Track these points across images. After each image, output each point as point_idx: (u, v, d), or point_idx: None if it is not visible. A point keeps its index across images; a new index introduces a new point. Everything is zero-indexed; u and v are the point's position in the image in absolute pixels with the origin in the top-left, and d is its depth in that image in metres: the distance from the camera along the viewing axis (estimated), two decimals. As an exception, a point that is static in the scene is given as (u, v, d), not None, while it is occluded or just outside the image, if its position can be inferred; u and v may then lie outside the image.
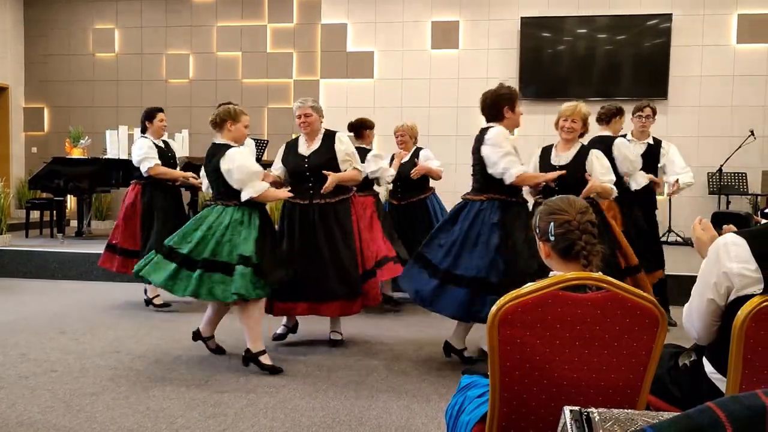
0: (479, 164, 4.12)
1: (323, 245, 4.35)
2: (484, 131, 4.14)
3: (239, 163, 3.99)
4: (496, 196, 4.05)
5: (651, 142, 5.32)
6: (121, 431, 3.06)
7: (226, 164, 4.00)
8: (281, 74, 10.31)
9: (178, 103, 10.54)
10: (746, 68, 9.19)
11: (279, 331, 4.75)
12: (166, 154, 5.75)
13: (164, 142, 5.86)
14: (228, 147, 4.06)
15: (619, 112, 5.17)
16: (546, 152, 4.51)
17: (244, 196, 4.01)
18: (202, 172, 4.35)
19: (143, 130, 5.78)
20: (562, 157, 4.38)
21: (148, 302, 5.79)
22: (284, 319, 4.75)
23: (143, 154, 5.55)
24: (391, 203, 6.00)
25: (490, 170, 4.03)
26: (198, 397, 3.51)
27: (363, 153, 5.29)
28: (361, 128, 5.63)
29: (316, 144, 4.50)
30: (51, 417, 3.21)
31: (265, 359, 4.01)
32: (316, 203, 4.41)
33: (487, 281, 3.85)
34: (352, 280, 4.38)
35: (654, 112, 5.36)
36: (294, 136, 4.77)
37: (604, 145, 4.82)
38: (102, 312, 5.58)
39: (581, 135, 4.43)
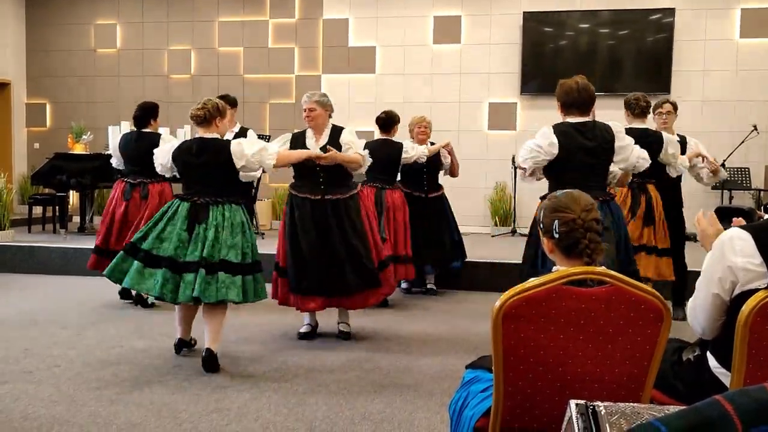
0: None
1: (338, 241, 4.40)
2: (608, 126, 3.88)
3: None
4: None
5: (677, 139, 5.08)
6: (124, 426, 3.06)
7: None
8: (283, 69, 10.29)
9: (180, 98, 10.51)
10: (749, 63, 9.15)
11: (303, 330, 4.68)
12: None
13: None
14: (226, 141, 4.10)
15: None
16: None
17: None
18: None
19: (143, 125, 5.69)
20: None
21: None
22: (307, 318, 4.71)
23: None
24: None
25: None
26: (202, 392, 3.52)
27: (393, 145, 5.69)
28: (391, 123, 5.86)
29: (324, 139, 4.54)
30: (55, 411, 3.21)
31: None
32: (328, 199, 4.44)
33: None
34: (370, 273, 4.47)
35: (675, 108, 5.20)
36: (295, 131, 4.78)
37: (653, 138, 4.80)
38: (105, 307, 5.58)
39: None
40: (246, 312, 5.04)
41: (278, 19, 10.31)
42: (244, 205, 4.17)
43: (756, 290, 1.77)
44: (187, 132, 7.91)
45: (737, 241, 1.80)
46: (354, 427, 3.08)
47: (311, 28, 10.22)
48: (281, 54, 10.30)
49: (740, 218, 1.98)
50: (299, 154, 4.38)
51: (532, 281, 1.74)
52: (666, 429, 0.78)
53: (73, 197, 9.41)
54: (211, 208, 3.93)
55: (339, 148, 4.46)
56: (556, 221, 1.92)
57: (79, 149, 8.42)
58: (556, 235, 1.92)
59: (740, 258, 1.78)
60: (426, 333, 4.86)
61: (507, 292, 1.72)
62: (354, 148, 4.52)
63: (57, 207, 8.45)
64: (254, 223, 7.96)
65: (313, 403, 3.37)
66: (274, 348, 4.39)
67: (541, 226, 2.00)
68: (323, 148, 4.43)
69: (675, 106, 5.25)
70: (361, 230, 4.51)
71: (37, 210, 8.92)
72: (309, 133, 4.60)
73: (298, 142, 4.58)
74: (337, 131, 4.58)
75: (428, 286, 6.29)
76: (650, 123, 5.14)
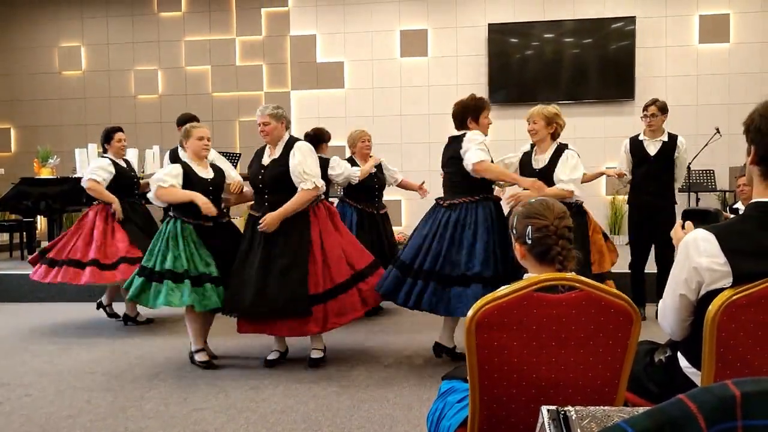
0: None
1: (272, 261, 4.16)
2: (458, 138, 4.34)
3: None
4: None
5: (665, 139, 5.38)
6: (99, 453, 3.00)
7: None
8: (251, 87, 10.28)
9: (148, 119, 10.44)
10: (709, 67, 9.38)
11: (270, 357, 4.49)
12: (127, 173, 5.78)
13: (125, 161, 5.89)
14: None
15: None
16: (527, 156, 4.58)
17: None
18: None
19: (104, 151, 5.85)
20: (539, 159, 4.47)
21: (128, 319, 5.82)
22: (274, 344, 4.54)
23: (89, 169, 5.67)
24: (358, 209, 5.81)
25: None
26: (177, 415, 3.47)
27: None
28: (319, 140, 5.69)
29: (277, 153, 4.31)
30: (26, 442, 3.14)
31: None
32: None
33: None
34: (298, 300, 4.10)
35: (660, 110, 5.36)
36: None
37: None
38: (76, 333, 5.48)
39: (555, 136, 4.45)
40: (220, 331, 4.99)
41: (245, 37, 10.31)
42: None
43: (721, 290, 1.80)
44: (155, 153, 7.85)
45: (701, 242, 1.83)
46: (333, 444, 3.06)
47: (278, 44, 10.24)
48: (249, 71, 10.29)
49: (689, 222, 2.01)
50: (185, 195, 4.26)
51: (504, 289, 1.75)
52: (632, 430, 0.79)
53: (41, 222, 9.24)
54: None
55: (287, 165, 4.22)
56: (530, 227, 1.93)
57: (45, 173, 8.28)
58: (529, 241, 1.94)
59: (705, 258, 1.81)
60: (402, 345, 4.86)
61: (479, 301, 1.73)
62: (311, 180, 4.19)
63: (24, 233, 8.30)
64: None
65: (291, 422, 3.34)
66: (251, 367, 4.35)
67: (514, 232, 2.02)
68: (270, 166, 4.33)
69: (662, 108, 5.39)
70: (295, 253, 4.17)
71: (4, 237, 8.75)
72: (267, 149, 4.42)
73: (256, 159, 4.46)
74: (289, 145, 4.30)
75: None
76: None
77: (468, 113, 4.37)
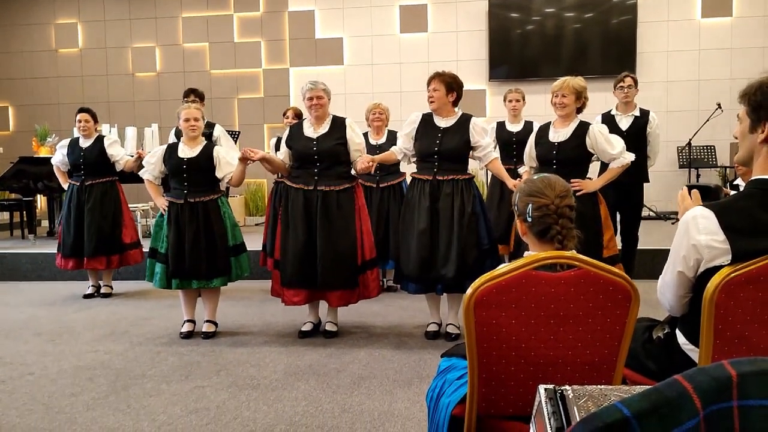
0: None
1: (321, 234, 4.31)
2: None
3: None
4: None
5: (637, 113, 5.35)
6: (102, 431, 3.03)
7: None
8: (250, 64, 10.21)
9: (146, 96, 10.39)
10: (711, 42, 9.30)
11: (304, 328, 4.63)
12: (74, 154, 5.98)
13: (97, 140, 6.04)
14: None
15: None
16: (543, 130, 4.47)
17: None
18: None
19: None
20: (560, 133, 4.34)
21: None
22: (309, 315, 4.68)
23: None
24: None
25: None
26: (179, 393, 3.49)
27: None
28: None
29: (325, 128, 4.42)
30: (30, 420, 3.17)
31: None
32: (320, 190, 4.34)
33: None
34: (347, 271, 4.35)
35: (635, 82, 5.37)
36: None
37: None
38: (77, 312, 5.51)
39: (580, 110, 4.35)
40: (221, 308, 5.01)
41: (243, 13, 10.22)
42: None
43: (720, 267, 1.80)
44: (154, 131, 7.82)
45: (701, 219, 1.82)
46: (334, 420, 3.08)
47: (277, 21, 10.14)
48: (247, 48, 10.21)
49: (696, 191, 1.99)
50: (152, 195, 4.69)
51: (502, 267, 1.75)
52: (628, 411, 0.79)
53: (41, 201, 9.24)
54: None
55: (342, 139, 4.37)
56: (530, 205, 1.92)
57: (44, 152, 8.27)
58: (530, 219, 1.93)
59: (704, 236, 1.81)
60: (403, 323, 4.88)
61: (478, 280, 1.73)
62: (363, 154, 4.44)
63: (24, 212, 8.30)
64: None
65: (292, 398, 3.37)
66: (252, 344, 4.38)
67: (516, 208, 2.01)
68: (323, 138, 4.39)
69: (636, 81, 5.37)
70: (347, 225, 4.37)
71: (4, 216, 8.76)
72: (306, 123, 4.50)
73: (296, 133, 4.48)
74: (339, 121, 4.46)
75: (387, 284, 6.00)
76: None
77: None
